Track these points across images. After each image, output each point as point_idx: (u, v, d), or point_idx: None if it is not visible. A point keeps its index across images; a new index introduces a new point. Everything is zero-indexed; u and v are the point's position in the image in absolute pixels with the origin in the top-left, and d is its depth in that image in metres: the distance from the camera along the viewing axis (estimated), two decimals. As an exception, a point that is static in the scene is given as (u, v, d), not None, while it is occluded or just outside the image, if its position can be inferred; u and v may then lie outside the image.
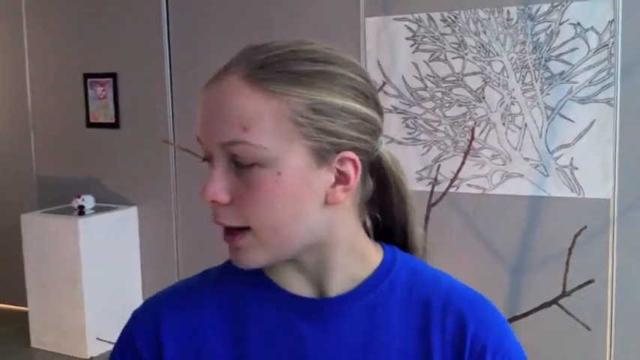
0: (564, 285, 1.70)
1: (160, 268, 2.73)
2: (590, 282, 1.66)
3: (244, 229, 0.64)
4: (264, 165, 0.62)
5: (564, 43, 2.01)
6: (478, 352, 0.68)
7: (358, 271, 0.70)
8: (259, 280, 0.71)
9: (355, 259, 0.69)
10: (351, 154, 0.64)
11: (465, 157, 1.89)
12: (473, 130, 2.00)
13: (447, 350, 0.68)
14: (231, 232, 0.64)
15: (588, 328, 1.72)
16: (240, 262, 0.66)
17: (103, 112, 2.82)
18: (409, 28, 2.22)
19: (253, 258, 0.65)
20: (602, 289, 1.96)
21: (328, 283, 0.69)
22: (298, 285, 0.69)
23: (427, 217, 1.86)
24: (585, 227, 1.71)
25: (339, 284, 0.69)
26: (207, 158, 0.64)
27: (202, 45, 2.51)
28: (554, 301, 1.72)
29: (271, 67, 0.63)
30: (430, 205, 1.86)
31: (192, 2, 2.55)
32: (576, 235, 1.70)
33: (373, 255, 0.71)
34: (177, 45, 2.59)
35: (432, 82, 2.20)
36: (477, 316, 0.70)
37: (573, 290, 1.68)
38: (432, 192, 1.89)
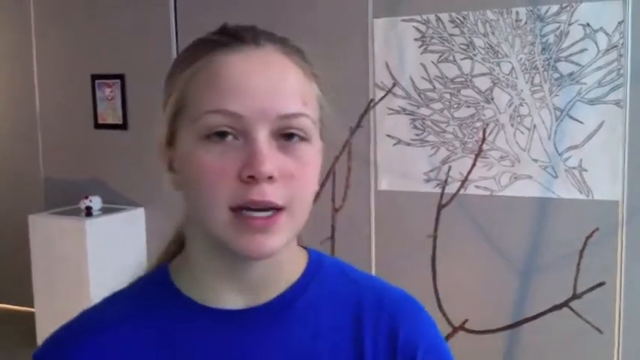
0: (575, 287, 1.68)
1: (166, 270, 2.72)
2: (601, 284, 1.64)
3: (279, 210, 0.61)
4: (311, 141, 0.62)
5: (573, 44, 2.00)
6: (409, 353, 0.67)
7: (289, 273, 0.68)
8: (181, 301, 0.67)
9: (289, 258, 0.68)
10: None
11: (475, 159, 1.88)
12: (484, 131, 1.99)
13: (379, 351, 0.67)
14: (267, 216, 0.61)
15: (600, 331, 1.70)
16: (266, 247, 0.61)
17: (110, 114, 2.82)
18: (417, 29, 2.21)
19: (280, 241, 0.61)
20: (610, 292, 1.95)
21: (259, 289, 0.67)
22: (226, 298, 0.66)
23: (437, 219, 1.85)
24: (597, 229, 1.70)
25: (271, 288, 0.67)
26: (229, 133, 0.61)
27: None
28: (565, 304, 1.70)
29: (299, 52, 0.65)
30: (440, 207, 1.85)
31: (199, 3, 2.55)
32: (588, 237, 1.69)
33: (300, 255, 0.70)
34: (184, 46, 2.59)
35: (441, 84, 2.19)
36: (408, 317, 0.69)
37: (584, 293, 1.67)
38: (442, 194, 1.88)
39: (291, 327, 0.67)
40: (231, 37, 0.65)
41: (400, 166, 2.27)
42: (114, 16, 2.76)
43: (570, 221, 1.94)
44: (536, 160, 2.08)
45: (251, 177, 0.60)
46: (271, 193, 0.60)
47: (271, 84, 0.61)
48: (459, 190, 1.87)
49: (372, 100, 1.97)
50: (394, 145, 2.28)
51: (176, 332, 0.66)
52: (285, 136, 0.61)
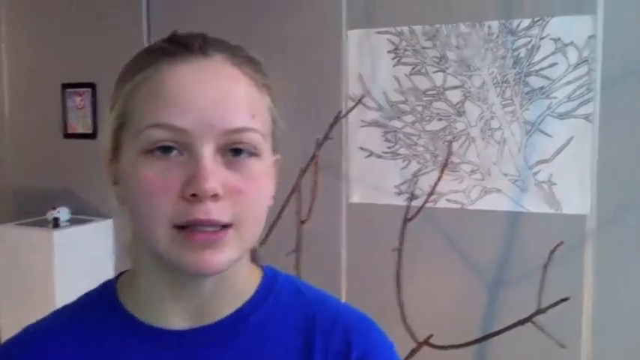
0: (539, 302, 1.68)
1: (134, 282, 2.68)
2: (565, 299, 1.63)
3: (226, 226, 0.59)
4: (261, 156, 0.61)
5: (544, 59, 2.00)
6: None
7: (240, 291, 0.66)
8: (125, 319, 0.65)
9: (240, 276, 0.66)
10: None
11: (441, 172, 1.88)
12: (450, 145, 1.98)
13: None
14: (211, 231, 0.59)
15: (563, 346, 1.69)
16: (213, 263, 0.58)
17: (80, 123, 2.79)
18: (391, 41, 2.21)
19: (227, 257, 0.59)
20: (578, 306, 1.94)
21: (207, 308, 0.64)
22: (172, 317, 0.64)
23: (403, 233, 1.84)
24: (561, 243, 1.70)
25: (220, 307, 0.65)
26: (173, 148, 0.58)
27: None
28: (529, 319, 1.69)
29: (251, 62, 0.63)
30: (406, 220, 1.84)
31: (172, 12, 2.53)
32: (551, 252, 1.69)
33: (254, 272, 0.68)
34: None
35: (413, 96, 2.19)
36: (363, 337, 0.68)
37: (548, 308, 1.66)
38: (408, 207, 1.87)
39: (240, 345, 0.65)
40: (179, 45, 0.62)
41: (372, 179, 2.25)
42: (85, 25, 2.73)
43: (539, 235, 1.93)
44: (506, 174, 2.07)
45: (194, 195, 0.58)
46: (216, 211, 0.58)
47: (218, 96, 0.59)
48: (424, 203, 1.86)
49: (339, 112, 1.96)
50: (366, 157, 2.26)
51: (118, 351, 0.64)
52: (233, 151, 0.59)
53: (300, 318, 0.67)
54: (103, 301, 0.67)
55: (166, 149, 0.59)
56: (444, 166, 1.94)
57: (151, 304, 0.65)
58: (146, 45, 2.39)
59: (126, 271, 0.70)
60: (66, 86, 2.80)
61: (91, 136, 2.75)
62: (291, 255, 1.93)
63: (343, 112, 2.21)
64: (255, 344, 0.65)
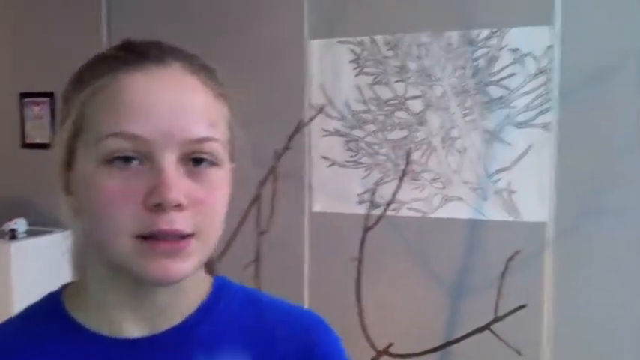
0: (496, 310, 1.69)
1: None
2: (522, 307, 1.65)
3: (188, 235, 0.59)
4: (220, 165, 0.61)
5: (503, 69, 2.03)
6: None
7: (192, 299, 0.66)
8: (75, 329, 0.64)
9: (194, 285, 0.66)
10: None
11: (400, 181, 1.89)
12: (408, 154, 1.99)
13: None
14: (174, 239, 0.58)
15: (519, 353, 1.70)
16: (176, 272, 0.58)
17: (39, 133, 2.74)
18: (353, 51, 2.22)
19: (189, 266, 0.59)
20: (538, 313, 1.95)
21: (161, 317, 0.64)
22: (125, 326, 0.64)
23: (363, 242, 1.84)
24: (518, 252, 1.71)
25: (173, 316, 0.65)
26: (133, 158, 0.58)
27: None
28: (487, 327, 1.70)
29: (208, 70, 0.63)
30: (366, 230, 1.84)
31: (133, 21, 2.51)
32: (509, 260, 1.70)
33: (205, 281, 0.68)
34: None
35: (375, 105, 2.19)
36: (324, 337, 0.69)
37: (506, 315, 1.67)
38: (367, 216, 1.87)
39: (192, 354, 0.64)
40: (135, 53, 0.61)
41: (334, 188, 2.25)
42: (44, 33, 2.69)
43: (499, 243, 1.94)
44: (466, 182, 2.09)
45: (158, 205, 0.57)
46: (179, 221, 0.58)
47: (178, 105, 0.59)
48: (384, 212, 1.87)
49: (300, 122, 1.96)
50: (328, 166, 2.26)
51: None
52: (194, 160, 0.59)
53: (254, 326, 0.67)
54: (50, 313, 0.66)
55: (127, 159, 0.58)
56: (403, 175, 1.95)
57: (103, 314, 0.64)
58: None
59: (70, 282, 0.69)
60: (24, 95, 2.75)
61: (50, 146, 2.69)
62: (250, 265, 1.91)
63: (301, 122, 2.21)
64: (204, 353, 0.65)
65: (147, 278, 0.58)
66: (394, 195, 1.94)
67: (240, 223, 1.85)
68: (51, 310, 0.66)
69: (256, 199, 1.89)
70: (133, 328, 0.63)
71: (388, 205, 1.90)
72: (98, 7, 2.56)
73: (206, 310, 0.66)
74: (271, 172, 1.90)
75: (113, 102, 0.58)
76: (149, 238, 0.58)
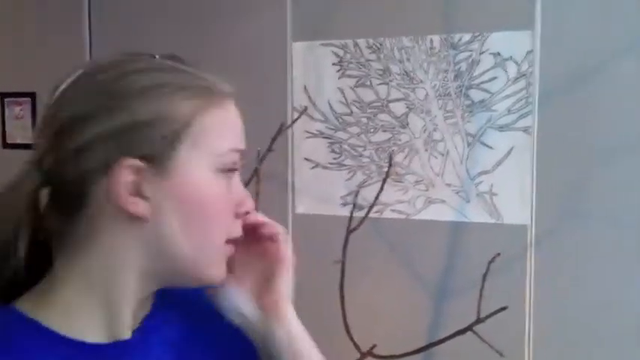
0: (478, 311, 1.72)
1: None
2: (503, 309, 1.68)
3: None
4: None
5: (484, 72, 2.05)
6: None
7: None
8: (51, 338, 0.65)
9: None
10: None
11: (383, 183, 1.91)
12: (391, 157, 2.01)
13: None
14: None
15: (501, 355, 1.73)
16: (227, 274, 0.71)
17: (20, 133, 2.73)
18: (335, 54, 2.23)
19: None
20: (520, 314, 1.99)
21: (134, 319, 0.69)
22: (122, 330, 0.68)
23: (346, 244, 1.86)
24: (498, 254, 1.74)
25: (139, 318, 0.70)
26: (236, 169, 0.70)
27: (125, 65, 2.46)
28: (469, 328, 1.73)
29: None
30: (349, 231, 1.86)
31: (115, 21, 2.50)
32: (490, 262, 1.73)
33: None
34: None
35: (358, 108, 2.21)
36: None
37: (488, 317, 1.70)
38: (350, 218, 1.89)
39: (157, 352, 0.70)
40: (218, 80, 0.72)
41: (318, 190, 2.27)
42: (25, 32, 2.67)
43: (482, 244, 1.97)
44: (449, 185, 2.12)
45: (246, 213, 0.72)
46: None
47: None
48: (367, 214, 1.89)
49: (282, 124, 1.97)
50: (312, 168, 2.28)
51: None
52: None
53: (184, 315, 0.75)
54: (12, 324, 0.65)
55: (233, 171, 0.69)
56: (386, 177, 1.97)
57: (83, 319, 0.66)
58: (88, 54, 2.31)
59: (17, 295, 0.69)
60: (4, 95, 2.73)
61: (31, 146, 2.68)
62: None
63: (284, 124, 2.22)
64: (168, 349, 0.71)
65: (214, 279, 0.69)
66: (377, 197, 1.96)
67: None
68: (13, 321, 0.65)
69: None
70: (126, 333, 0.68)
71: (371, 207, 1.92)
72: (79, 7, 2.55)
73: (156, 308, 0.72)
74: (255, 173, 1.91)
75: (227, 121, 0.69)
76: (229, 242, 0.69)
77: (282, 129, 1.98)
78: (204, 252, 0.66)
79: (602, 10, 1.92)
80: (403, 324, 2.14)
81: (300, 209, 2.29)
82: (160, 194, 0.65)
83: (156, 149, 0.64)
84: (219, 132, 0.68)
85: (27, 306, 0.66)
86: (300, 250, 2.43)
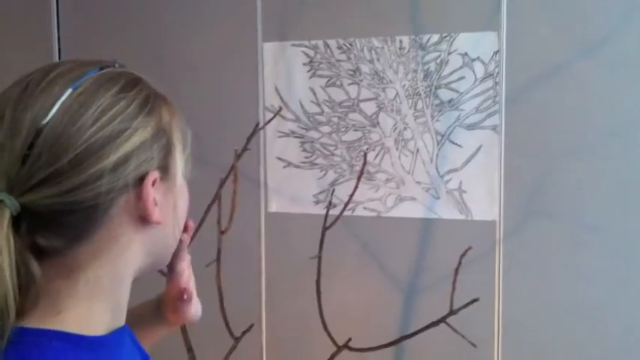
0: (451, 304, 1.77)
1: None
2: (475, 300, 1.73)
3: None
4: None
5: (453, 72, 2.10)
6: None
7: None
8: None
9: None
10: None
11: (357, 182, 1.95)
12: (365, 155, 2.05)
13: None
14: None
15: (474, 345, 1.79)
16: None
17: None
18: (306, 54, 2.26)
19: None
20: (490, 307, 2.05)
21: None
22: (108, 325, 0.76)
23: (322, 241, 1.89)
24: (470, 248, 1.79)
25: None
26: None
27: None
28: (442, 320, 1.78)
29: None
30: (325, 229, 1.89)
31: (84, 30, 2.49)
32: (461, 256, 1.78)
33: None
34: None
35: (329, 107, 2.24)
36: None
37: (460, 309, 1.75)
38: (326, 216, 1.92)
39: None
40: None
41: (290, 189, 2.29)
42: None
43: (452, 240, 2.02)
44: (419, 183, 2.16)
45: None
46: None
47: None
48: (342, 212, 1.93)
49: (257, 124, 2.00)
50: (284, 167, 2.30)
51: None
52: None
53: None
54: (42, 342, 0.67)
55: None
56: (360, 176, 2.01)
57: (95, 322, 0.71)
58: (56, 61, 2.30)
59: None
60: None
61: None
62: (212, 265, 1.95)
63: (261, 124, 2.25)
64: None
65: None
66: (351, 196, 2.00)
67: (201, 222, 1.90)
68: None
69: (215, 198, 1.93)
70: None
71: (346, 205, 1.96)
72: (47, 8, 2.53)
73: None
74: (232, 170, 1.94)
75: (185, 128, 0.77)
76: None
77: (256, 129, 2.01)
78: (176, 241, 0.79)
79: (566, 11, 1.98)
80: (377, 319, 2.19)
81: (273, 208, 2.31)
82: (164, 198, 0.73)
83: (163, 158, 0.72)
84: (183, 139, 0.76)
85: (38, 325, 0.67)
86: (274, 248, 2.47)
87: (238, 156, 1.94)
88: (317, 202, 2.26)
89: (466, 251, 1.80)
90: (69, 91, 0.66)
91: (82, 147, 0.64)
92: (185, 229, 0.90)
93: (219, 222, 1.93)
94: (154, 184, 0.70)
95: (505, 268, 2.05)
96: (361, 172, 1.98)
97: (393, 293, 2.18)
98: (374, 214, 2.21)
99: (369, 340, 1.91)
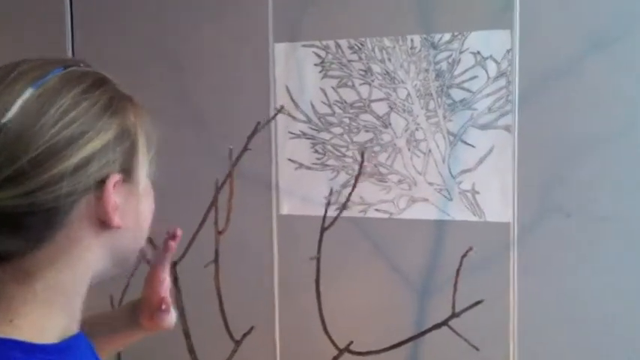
0: (453, 306, 1.75)
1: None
2: (479, 302, 1.71)
3: None
4: None
5: (465, 72, 2.07)
6: None
7: None
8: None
9: None
10: None
11: (355, 182, 1.95)
12: (362, 154, 2.04)
13: None
14: None
15: (477, 349, 1.76)
16: None
17: None
18: (317, 55, 2.24)
19: None
20: (505, 310, 2.01)
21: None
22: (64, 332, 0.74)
23: (320, 242, 1.88)
24: (471, 249, 1.77)
25: None
26: None
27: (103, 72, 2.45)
28: (444, 323, 1.76)
29: None
30: (323, 230, 1.89)
31: (96, 19, 2.49)
32: (462, 257, 1.76)
33: None
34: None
35: (340, 108, 2.22)
36: None
37: (463, 311, 1.73)
38: (324, 217, 1.92)
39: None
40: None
41: (301, 191, 2.28)
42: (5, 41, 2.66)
43: (465, 243, 1.98)
44: (431, 184, 2.13)
45: None
46: None
47: None
48: (340, 212, 1.93)
49: (258, 124, 1.98)
50: (296, 169, 2.29)
51: None
52: None
53: None
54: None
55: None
56: (358, 175, 2.00)
57: (50, 327, 0.69)
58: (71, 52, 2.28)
59: None
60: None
61: None
62: (210, 266, 1.96)
63: (272, 126, 2.24)
64: None
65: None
66: (350, 194, 2.00)
67: (201, 224, 1.91)
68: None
69: (215, 199, 1.94)
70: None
71: (344, 205, 1.96)
72: (60, 3, 2.54)
73: None
74: (230, 173, 1.95)
75: (151, 129, 0.74)
76: None
77: (257, 128, 2.00)
78: (141, 244, 0.76)
79: (579, 9, 1.94)
80: (389, 321, 2.16)
81: (285, 210, 2.30)
82: (127, 202, 0.71)
83: (126, 161, 0.70)
84: (148, 139, 0.74)
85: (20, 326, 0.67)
86: (286, 251, 2.46)
87: (237, 157, 1.94)
88: (329, 204, 2.24)
89: (467, 252, 1.77)
90: (30, 90, 0.64)
91: (43, 147, 0.63)
92: (172, 237, 0.91)
93: (216, 223, 1.93)
94: (115, 187, 0.68)
95: (519, 271, 2.01)
96: (359, 172, 1.98)
97: (405, 295, 2.15)
98: (386, 215, 2.18)
99: (380, 342, 1.89)
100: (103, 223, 0.68)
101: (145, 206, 0.74)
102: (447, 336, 1.80)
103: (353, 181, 2.16)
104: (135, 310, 1.02)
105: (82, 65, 0.72)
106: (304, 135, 2.28)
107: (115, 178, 0.68)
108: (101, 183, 0.67)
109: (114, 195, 0.68)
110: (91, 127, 0.66)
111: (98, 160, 0.66)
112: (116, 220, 0.68)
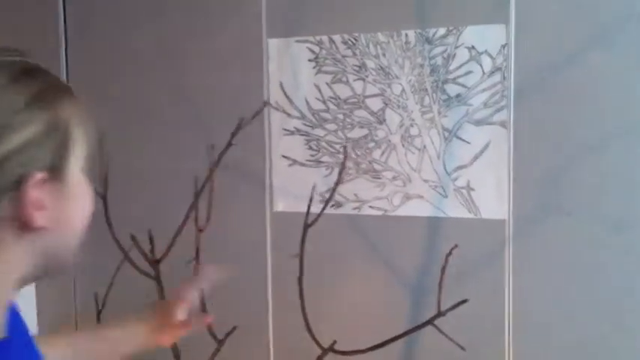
0: (439, 305, 1.73)
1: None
2: (464, 302, 1.69)
3: None
4: None
5: (460, 67, 2.05)
6: None
7: None
8: None
9: None
10: None
11: (339, 177, 1.92)
12: (345, 149, 2.01)
13: None
14: None
15: (463, 349, 1.74)
16: None
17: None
18: (311, 50, 2.22)
19: None
20: (500, 307, 2.00)
21: None
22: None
23: (303, 239, 1.86)
24: (456, 246, 1.75)
25: None
26: None
27: (100, 68, 2.43)
28: (430, 322, 1.74)
29: None
30: (306, 226, 1.87)
31: (90, 17, 2.47)
32: (447, 255, 1.74)
33: None
34: (74, 75, 2.51)
35: (334, 104, 2.20)
36: None
37: (448, 310, 1.72)
38: (307, 213, 1.91)
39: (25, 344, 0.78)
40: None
41: (296, 187, 2.26)
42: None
43: (460, 239, 1.97)
44: (426, 180, 2.11)
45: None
46: None
47: None
48: (323, 209, 1.91)
49: (242, 119, 1.96)
50: (289, 166, 2.26)
51: None
52: None
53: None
54: None
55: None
56: (342, 171, 1.98)
57: None
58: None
59: None
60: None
61: None
62: (191, 262, 1.95)
63: (266, 121, 2.22)
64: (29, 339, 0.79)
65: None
66: (334, 189, 1.98)
67: (184, 221, 1.90)
68: None
69: (198, 194, 1.93)
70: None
71: (328, 201, 1.95)
72: (55, 13, 2.52)
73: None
74: (210, 170, 1.93)
75: (88, 125, 0.68)
76: None
77: (240, 125, 1.98)
78: (76, 245, 0.70)
79: (574, 2, 1.92)
80: (383, 318, 2.14)
81: (279, 207, 2.28)
82: (56, 201, 0.66)
83: (55, 158, 0.65)
84: (84, 134, 0.68)
85: None
86: (279, 248, 2.43)
87: (221, 153, 1.93)
88: (323, 201, 2.21)
89: (452, 250, 1.75)
90: None
91: None
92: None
93: (196, 220, 1.91)
94: (39, 185, 0.64)
95: (515, 269, 1.99)
96: (342, 167, 1.96)
97: (400, 293, 2.13)
98: (380, 212, 2.16)
99: (376, 339, 1.87)
100: (25, 224, 0.64)
101: (77, 205, 0.68)
102: (441, 335, 1.79)
103: (347, 178, 2.14)
104: (144, 326, 1.02)
105: (14, 54, 0.67)
106: (298, 131, 2.25)
107: (37, 176, 0.63)
108: (24, 181, 0.63)
109: (39, 194, 0.63)
110: (12, 121, 0.61)
111: (20, 156, 0.61)
112: (39, 220, 0.64)
